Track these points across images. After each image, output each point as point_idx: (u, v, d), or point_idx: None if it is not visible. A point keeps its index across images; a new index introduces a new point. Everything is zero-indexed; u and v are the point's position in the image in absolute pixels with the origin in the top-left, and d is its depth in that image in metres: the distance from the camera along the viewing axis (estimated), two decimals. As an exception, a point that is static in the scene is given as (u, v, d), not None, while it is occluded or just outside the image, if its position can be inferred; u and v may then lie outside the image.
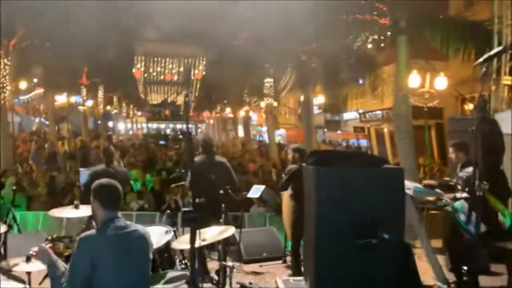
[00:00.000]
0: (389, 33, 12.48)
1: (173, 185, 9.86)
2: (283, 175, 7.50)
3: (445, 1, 15.21)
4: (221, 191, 6.58)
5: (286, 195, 7.56)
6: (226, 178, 7.10)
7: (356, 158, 5.69)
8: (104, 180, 3.92)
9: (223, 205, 6.30)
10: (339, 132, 33.43)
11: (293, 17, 13.22)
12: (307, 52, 14.73)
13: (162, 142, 32.10)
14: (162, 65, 34.74)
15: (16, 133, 35.93)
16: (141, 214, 10.97)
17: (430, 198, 5.87)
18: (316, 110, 32.42)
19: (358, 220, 4.49)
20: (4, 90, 14.60)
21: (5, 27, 13.53)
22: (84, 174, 8.56)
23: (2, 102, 14.63)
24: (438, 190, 5.92)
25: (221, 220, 6.04)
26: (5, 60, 14.49)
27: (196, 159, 7.12)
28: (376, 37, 13.41)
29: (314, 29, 13.07)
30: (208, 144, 7.43)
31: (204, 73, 32.40)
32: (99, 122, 48.21)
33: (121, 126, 53.85)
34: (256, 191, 8.11)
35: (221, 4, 18.42)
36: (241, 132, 31.77)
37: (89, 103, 33.37)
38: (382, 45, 14.10)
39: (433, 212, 9.20)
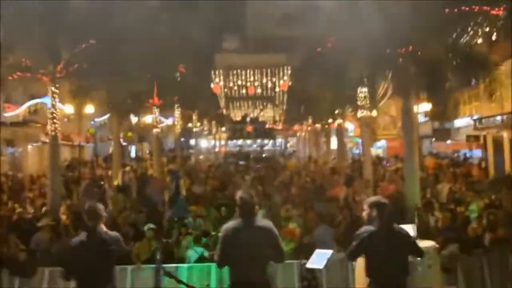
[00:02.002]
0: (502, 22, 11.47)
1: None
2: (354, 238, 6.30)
3: None
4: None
5: (359, 267, 6.55)
6: (270, 250, 5.99)
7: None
8: None
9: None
10: (448, 142, 31.96)
11: (386, 16, 12.69)
12: (404, 55, 13.92)
13: (242, 162, 32.07)
14: (243, 77, 34.99)
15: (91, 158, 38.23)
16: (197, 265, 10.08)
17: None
18: (422, 118, 31.21)
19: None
20: (54, 120, 15.04)
21: (49, 50, 14.12)
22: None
23: (52, 133, 15.03)
24: None
25: None
26: (53, 88, 14.86)
27: (229, 225, 6.15)
28: (487, 30, 12.37)
29: (411, 28, 12.33)
30: (247, 204, 6.08)
31: (290, 83, 32.31)
32: (182, 139, 49.61)
33: (204, 143, 55.20)
34: (319, 258, 6.93)
35: (305, 8, 18.29)
36: (335, 144, 31.04)
37: (169, 121, 34.47)
38: (494, 38, 12.98)
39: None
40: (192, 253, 10.79)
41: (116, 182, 19.69)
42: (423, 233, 10.53)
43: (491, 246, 10.38)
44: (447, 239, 10.66)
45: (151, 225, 11.74)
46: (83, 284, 6.44)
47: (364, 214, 6.36)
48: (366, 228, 6.20)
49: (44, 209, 15.17)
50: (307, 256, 7.97)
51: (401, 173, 18.51)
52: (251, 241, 5.87)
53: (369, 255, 6.09)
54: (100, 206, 6.77)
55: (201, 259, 10.35)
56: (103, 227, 6.62)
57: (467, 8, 11.53)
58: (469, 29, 12.34)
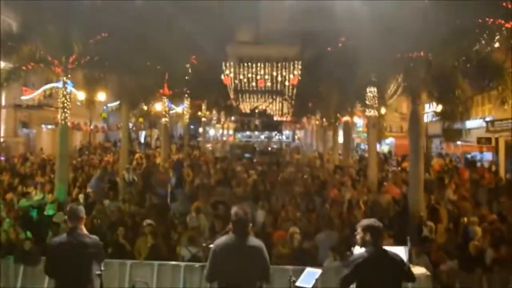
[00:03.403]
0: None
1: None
2: (346, 264, 6.10)
3: None
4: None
5: None
6: (259, 271, 5.95)
7: None
8: None
9: None
10: (459, 143, 31.46)
11: (400, 20, 12.53)
12: (416, 60, 13.74)
13: (247, 155, 31.85)
14: (254, 70, 34.78)
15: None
16: (191, 266, 9.99)
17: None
18: (432, 117, 30.80)
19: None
20: (65, 109, 15.17)
21: (62, 42, 14.17)
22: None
23: (62, 122, 15.14)
24: None
25: None
26: (64, 78, 15.03)
27: (221, 240, 6.08)
28: (500, 40, 12.15)
29: (423, 34, 12.17)
30: (241, 221, 5.97)
31: (299, 78, 32.10)
32: (192, 126, 49.41)
33: (212, 132, 55.15)
34: (309, 277, 6.79)
35: (320, 5, 18.12)
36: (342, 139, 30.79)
37: (180, 108, 34.48)
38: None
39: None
40: (185, 252, 10.73)
41: (123, 174, 19.58)
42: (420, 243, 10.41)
43: (493, 265, 10.12)
44: (447, 254, 10.49)
45: (149, 221, 11.72)
46: (61, 284, 6.46)
47: (358, 237, 6.08)
48: (359, 254, 5.98)
49: (50, 196, 15.18)
50: (305, 263, 7.91)
51: (406, 175, 18.33)
52: (241, 260, 5.85)
53: (361, 281, 5.90)
54: (81, 208, 6.71)
55: (193, 259, 10.20)
56: (83, 229, 6.57)
57: (480, 20, 11.25)
58: (482, 39, 12.08)
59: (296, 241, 10.88)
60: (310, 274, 6.84)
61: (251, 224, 6.10)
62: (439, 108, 17.74)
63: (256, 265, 5.93)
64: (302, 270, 7.11)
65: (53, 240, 6.84)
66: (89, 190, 16.61)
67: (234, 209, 6.05)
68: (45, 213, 13.90)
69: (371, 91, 19.62)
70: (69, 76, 15.20)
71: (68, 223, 6.62)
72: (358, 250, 6.13)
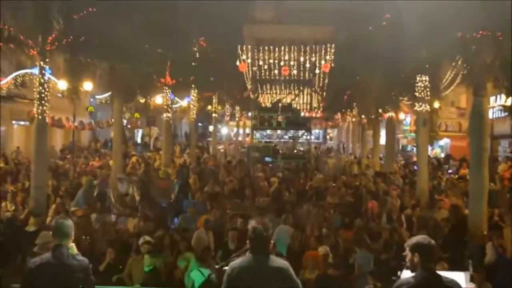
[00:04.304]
0: None
1: None
2: None
3: None
4: None
5: None
6: None
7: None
8: None
9: None
10: (532, 145, 31.25)
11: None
12: (480, 40, 13.54)
13: (268, 159, 31.81)
14: (276, 55, 34.66)
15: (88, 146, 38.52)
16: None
17: None
18: (499, 112, 30.37)
19: None
20: (43, 101, 15.04)
21: (38, 17, 13.99)
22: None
23: (40, 116, 15.06)
24: None
25: None
26: (41, 63, 14.85)
27: (237, 262, 6.01)
28: None
29: (491, 7, 11.97)
30: (260, 238, 5.96)
31: (332, 65, 31.91)
32: (200, 124, 49.41)
33: (225, 131, 55.30)
34: None
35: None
36: (385, 140, 30.60)
37: (185, 102, 34.50)
38: None
39: None
40: (197, 275, 10.63)
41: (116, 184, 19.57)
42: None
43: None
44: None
45: (147, 238, 11.72)
46: None
47: (407, 259, 5.91)
48: (405, 280, 5.82)
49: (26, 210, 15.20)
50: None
51: (466, 184, 18.09)
52: (263, 285, 5.81)
53: None
54: (69, 222, 6.55)
55: (207, 283, 10.01)
56: (74, 249, 6.45)
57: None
58: None
59: (327, 264, 10.76)
60: None
61: (271, 242, 6.05)
62: (509, 101, 17.50)
63: None
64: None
65: (31, 261, 6.52)
66: (73, 208, 16.30)
67: (251, 224, 5.99)
68: (27, 229, 13.82)
69: (422, 80, 19.37)
70: (47, 60, 14.94)
71: (54, 241, 6.45)
72: (407, 275, 5.96)
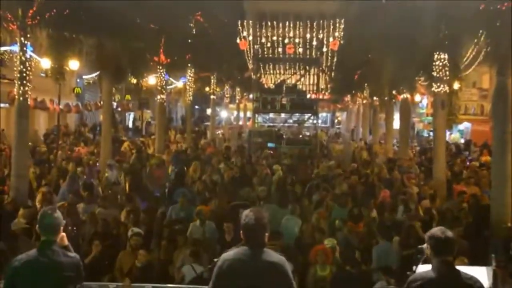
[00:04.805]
0: None
1: None
2: None
3: None
4: None
5: None
6: None
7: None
8: None
9: None
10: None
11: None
12: (506, 13, 13.47)
13: (271, 145, 31.80)
14: (280, 31, 34.60)
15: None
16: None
17: None
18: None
19: None
20: (25, 81, 14.96)
21: None
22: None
23: (21, 98, 14.98)
24: None
25: None
26: (22, 39, 14.73)
27: (229, 254, 5.93)
28: None
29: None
30: (254, 229, 5.86)
31: (341, 42, 31.83)
32: (196, 107, 49.24)
33: (224, 114, 55.27)
34: None
35: None
36: (398, 124, 30.55)
37: (181, 82, 34.45)
38: None
39: None
40: (188, 270, 10.64)
41: (106, 174, 19.51)
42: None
43: None
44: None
45: (136, 230, 11.70)
46: None
47: (427, 251, 5.93)
48: (419, 275, 5.82)
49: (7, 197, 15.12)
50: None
51: (488, 172, 18.06)
52: (254, 281, 5.70)
53: None
54: (58, 214, 6.37)
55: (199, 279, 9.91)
56: (64, 241, 6.32)
57: None
58: None
59: (334, 259, 10.77)
60: None
61: (266, 234, 5.90)
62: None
63: (274, 287, 5.77)
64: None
65: (16, 258, 6.30)
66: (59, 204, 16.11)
67: (244, 213, 5.89)
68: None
69: (440, 59, 19.28)
70: (28, 36, 14.85)
71: (41, 236, 6.30)
72: (423, 269, 5.95)
